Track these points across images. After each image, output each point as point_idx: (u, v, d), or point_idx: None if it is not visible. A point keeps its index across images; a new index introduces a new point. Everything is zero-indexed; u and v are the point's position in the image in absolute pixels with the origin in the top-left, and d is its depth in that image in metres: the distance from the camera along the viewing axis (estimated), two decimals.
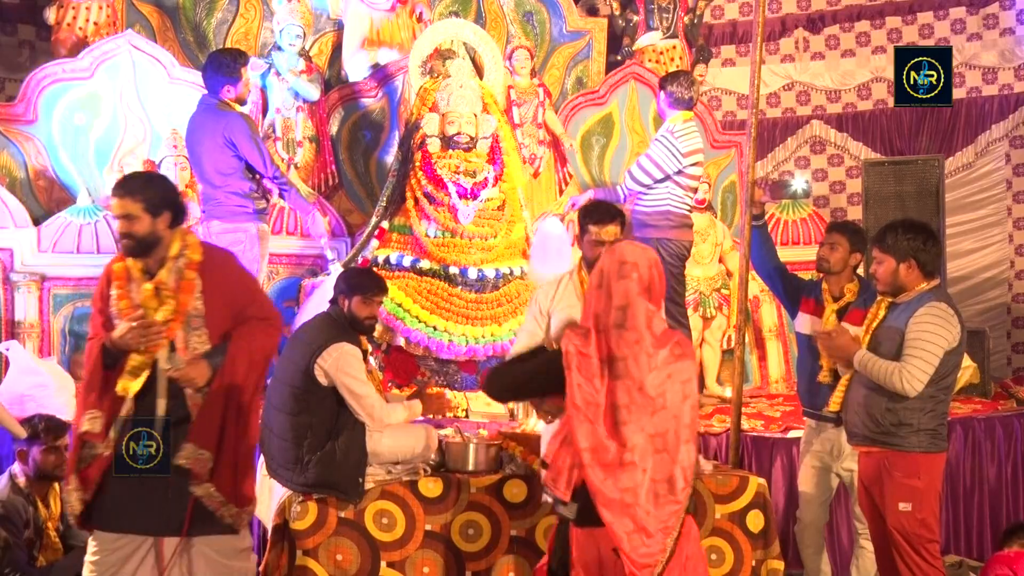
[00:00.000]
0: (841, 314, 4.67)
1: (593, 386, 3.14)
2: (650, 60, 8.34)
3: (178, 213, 3.73)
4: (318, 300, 5.50)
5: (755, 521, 4.55)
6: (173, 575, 3.72)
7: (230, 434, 3.69)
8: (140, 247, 3.66)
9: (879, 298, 4.25)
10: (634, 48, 8.50)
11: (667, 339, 3.21)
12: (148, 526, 3.68)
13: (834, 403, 4.37)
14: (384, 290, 4.68)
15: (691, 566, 3.22)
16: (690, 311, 6.66)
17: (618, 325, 3.15)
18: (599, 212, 4.33)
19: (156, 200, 3.66)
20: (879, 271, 4.13)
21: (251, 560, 3.93)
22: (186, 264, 3.71)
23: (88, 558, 3.73)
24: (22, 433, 4.40)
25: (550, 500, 3.32)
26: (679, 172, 5.93)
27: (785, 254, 5.50)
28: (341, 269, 5.83)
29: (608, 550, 3.17)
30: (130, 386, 3.61)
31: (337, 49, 7.80)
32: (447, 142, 6.18)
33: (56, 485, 4.67)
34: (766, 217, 5.08)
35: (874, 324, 4.17)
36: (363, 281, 4.60)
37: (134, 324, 3.57)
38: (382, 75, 7.51)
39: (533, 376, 3.40)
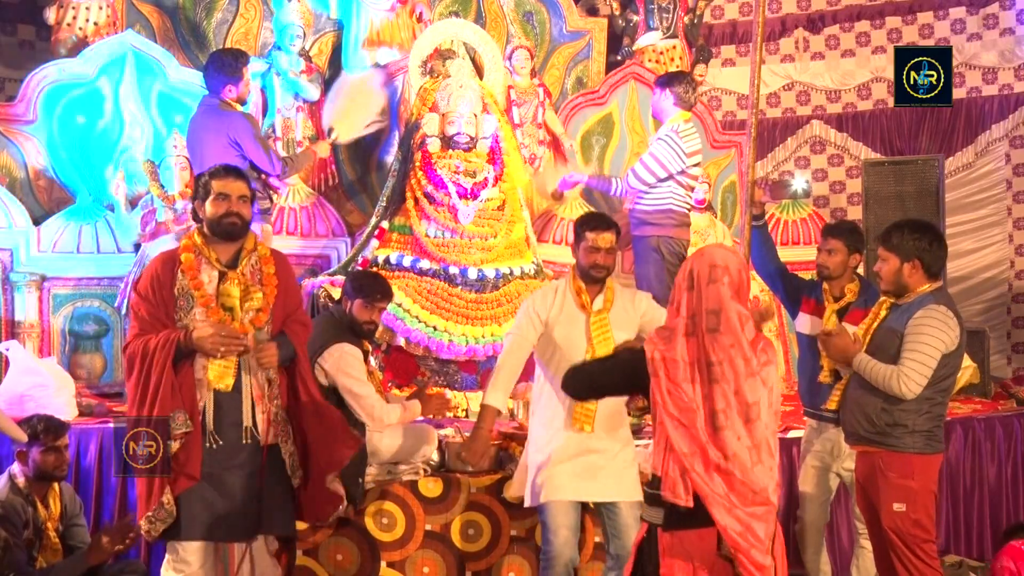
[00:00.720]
0: (842, 314, 4.66)
1: (684, 391, 3.09)
2: (650, 60, 8.34)
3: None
4: None
5: None
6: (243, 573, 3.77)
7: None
8: (243, 229, 3.76)
9: (881, 299, 4.24)
10: (634, 48, 8.50)
11: (756, 343, 3.17)
12: (234, 531, 3.72)
13: (832, 401, 4.37)
14: (389, 297, 4.70)
15: (781, 566, 3.21)
16: None
17: (712, 329, 3.10)
18: (595, 219, 4.37)
19: (253, 191, 3.87)
20: (883, 269, 4.11)
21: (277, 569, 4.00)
22: (261, 259, 3.78)
23: (169, 572, 3.74)
24: (23, 438, 4.40)
25: (646, 512, 3.29)
26: (681, 171, 6.00)
27: (785, 254, 5.50)
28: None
29: (706, 552, 3.13)
30: (223, 380, 3.67)
31: (337, 49, 7.80)
32: (447, 142, 6.19)
33: (56, 485, 4.67)
34: (766, 217, 5.08)
35: (874, 325, 4.16)
36: (368, 285, 4.60)
37: (223, 333, 3.60)
38: (382, 75, 7.51)
39: (612, 377, 3.38)
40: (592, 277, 4.23)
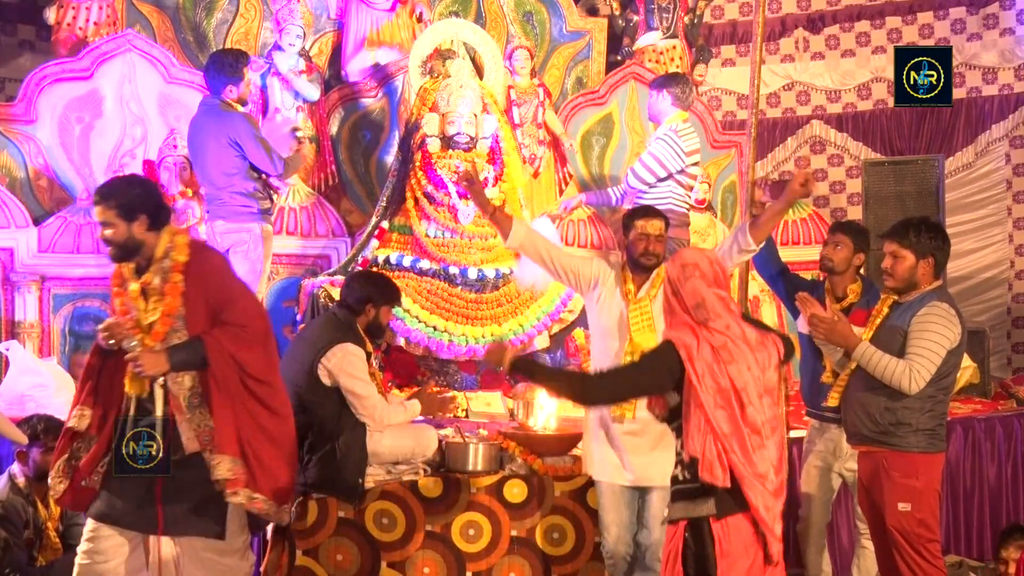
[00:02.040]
0: (844, 315, 4.66)
1: (714, 372, 3.24)
2: (650, 60, 8.33)
3: (156, 215, 3.78)
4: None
5: None
6: (166, 570, 3.77)
7: (249, 436, 3.75)
8: (121, 252, 3.75)
9: (884, 296, 4.25)
10: (634, 48, 8.50)
11: (764, 341, 3.39)
12: (132, 522, 3.76)
13: (832, 398, 4.36)
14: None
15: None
16: None
17: (703, 321, 3.32)
18: (644, 209, 4.52)
19: (129, 205, 3.72)
20: (894, 265, 4.10)
21: (247, 558, 3.97)
22: (171, 266, 3.76)
23: (80, 547, 3.82)
24: (23, 440, 4.41)
25: (676, 509, 3.35)
26: (681, 171, 6.01)
27: (785, 254, 5.50)
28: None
29: (749, 536, 3.23)
30: (134, 388, 3.71)
31: (337, 49, 7.80)
32: (447, 142, 6.18)
33: None
34: None
35: (878, 321, 4.17)
36: (394, 289, 4.71)
37: (104, 324, 3.72)
38: (382, 75, 7.51)
39: (636, 380, 3.47)
40: (642, 265, 4.29)
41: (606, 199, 6.50)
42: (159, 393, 3.72)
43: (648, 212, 4.42)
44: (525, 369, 3.62)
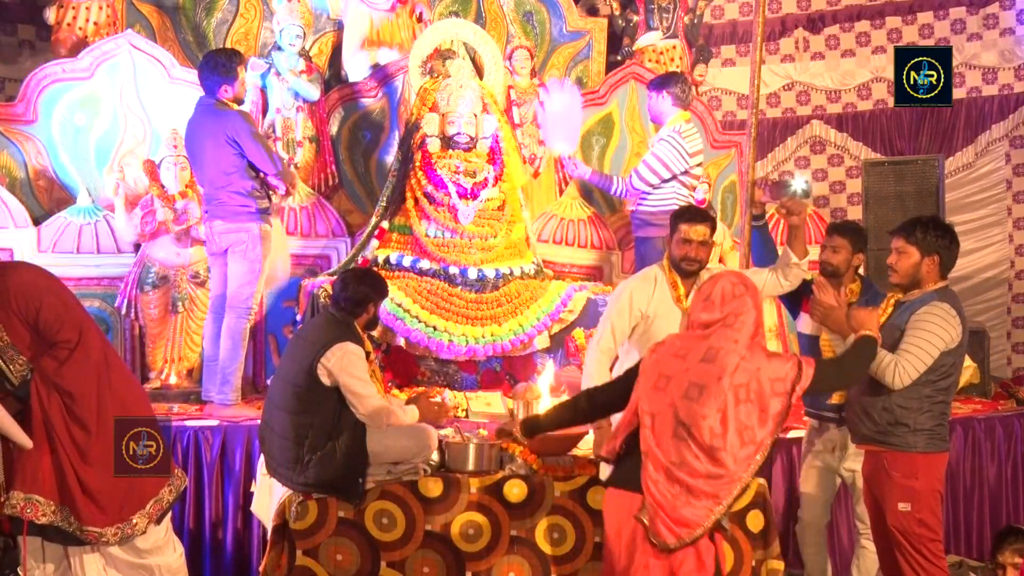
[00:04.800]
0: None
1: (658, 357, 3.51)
2: (650, 60, 8.33)
3: None
4: None
5: (755, 521, 4.54)
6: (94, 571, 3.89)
7: (67, 466, 3.78)
8: None
9: (888, 295, 4.26)
10: (634, 48, 8.50)
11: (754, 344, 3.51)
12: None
13: (836, 395, 4.37)
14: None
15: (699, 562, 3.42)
16: None
17: (726, 325, 3.51)
18: (690, 212, 4.46)
19: None
20: (899, 262, 4.10)
21: (170, 552, 4.14)
22: None
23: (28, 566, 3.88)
24: (28, 443, 4.40)
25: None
26: (685, 171, 6.02)
27: None
28: None
29: (632, 511, 3.41)
30: None
31: (337, 49, 7.80)
32: (447, 142, 6.19)
33: None
34: (766, 217, 5.09)
35: (882, 319, 4.17)
36: (386, 285, 4.72)
37: None
38: (382, 75, 7.51)
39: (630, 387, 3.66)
40: (683, 270, 4.27)
41: (607, 184, 6.50)
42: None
43: (694, 216, 4.36)
44: (532, 428, 4.01)
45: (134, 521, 3.95)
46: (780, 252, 4.71)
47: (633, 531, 3.43)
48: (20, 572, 3.90)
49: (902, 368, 3.93)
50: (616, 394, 3.75)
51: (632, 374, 3.65)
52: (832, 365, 3.76)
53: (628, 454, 3.55)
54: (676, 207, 5.96)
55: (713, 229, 4.39)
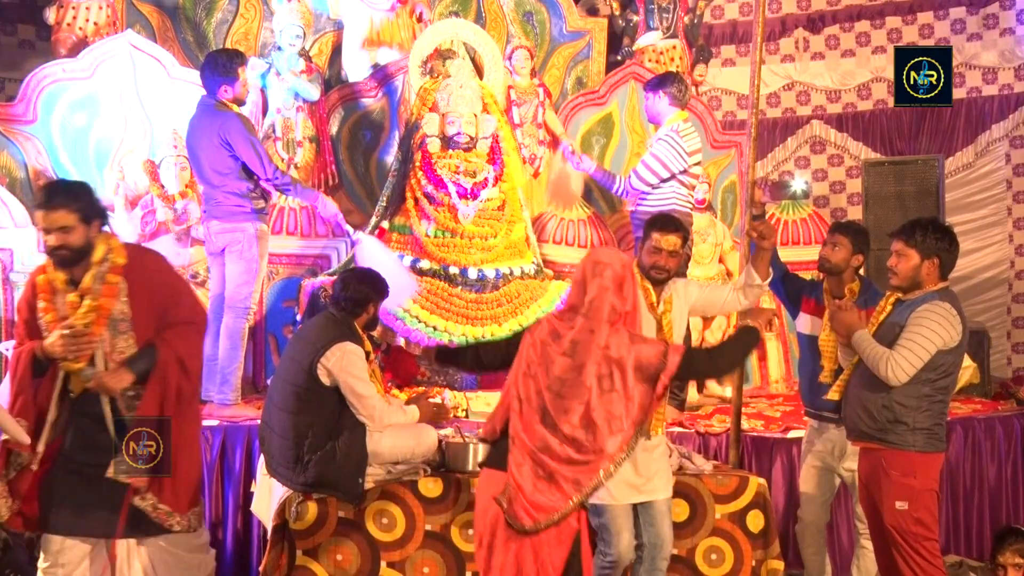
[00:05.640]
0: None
1: (537, 346, 3.59)
2: (650, 60, 8.33)
3: (105, 219, 3.82)
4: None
5: (755, 521, 4.55)
6: (130, 572, 3.79)
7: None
8: (76, 257, 3.72)
9: (887, 294, 4.26)
10: (634, 48, 8.49)
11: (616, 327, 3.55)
12: (91, 529, 3.76)
13: (834, 392, 4.37)
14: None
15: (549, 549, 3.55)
16: None
17: (583, 315, 3.55)
18: (664, 220, 4.45)
19: (89, 209, 3.73)
20: (899, 264, 4.11)
21: (209, 554, 4.11)
22: (110, 268, 3.75)
23: (41, 564, 3.82)
24: (26, 440, 4.39)
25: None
26: (683, 171, 6.02)
27: (785, 254, 5.50)
28: (367, 236, 5.95)
29: (495, 491, 3.54)
30: (78, 386, 3.72)
31: (337, 49, 7.80)
32: (447, 142, 6.19)
33: None
34: (766, 217, 5.09)
35: (881, 317, 4.18)
36: (387, 285, 4.71)
37: (65, 333, 3.64)
38: (382, 75, 7.51)
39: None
40: (652, 278, 4.27)
41: (610, 182, 6.48)
42: (106, 401, 3.73)
43: (666, 225, 4.37)
44: (442, 355, 4.27)
45: (198, 510, 3.98)
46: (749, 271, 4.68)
47: (497, 511, 3.54)
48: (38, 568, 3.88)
49: (895, 362, 3.94)
50: (498, 357, 3.87)
51: (515, 342, 3.72)
52: (703, 353, 3.83)
53: (504, 436, 3.63)
54: (676, 207, 5.99)
55: (685, 239, 4.40)
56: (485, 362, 3.98)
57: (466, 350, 4.15)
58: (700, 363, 3.77)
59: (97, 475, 3.71)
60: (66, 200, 3.68)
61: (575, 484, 3.48)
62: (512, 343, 3.78)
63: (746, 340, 3.88)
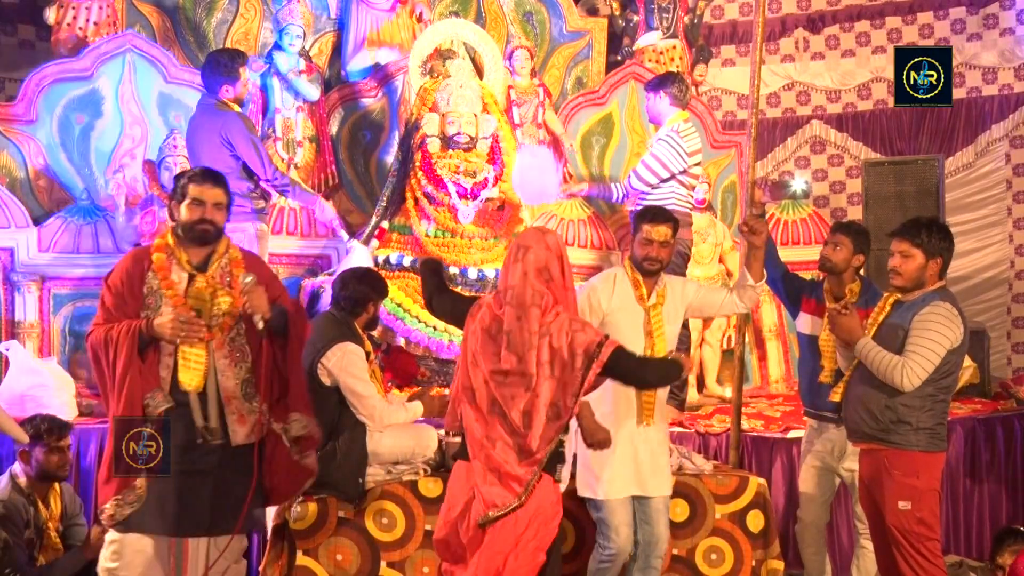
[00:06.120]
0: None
1: (477, 335, 3.61)
2: (650, 60, 8.33)
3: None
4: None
5: (755, 521, 4.55)
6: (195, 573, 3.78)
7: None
8: (213, 238, 3.81)
9: (886, 294, 4.25)
10: (634, 48, 8.49)
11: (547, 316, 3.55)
12: (179, 528, 3.71)
13: (835, 393, 4.37)
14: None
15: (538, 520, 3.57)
16: None
17: (508, 302, 3.57)
18: (653, 212, 4.44)
19: (230, 197, 3.91)
20: (904, 265, 4.09)
21: (241, 563, 4.04)
22: (232, 261, 3.82)
23: (106, 564, 3.73)
24: (24, 439, 4.40)
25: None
26: (683, 171, 6.02)
27: (785, 254, 5.50)
28: (360, 245, 5.98)
29: (462, 483, 3.62)
30: (193, 381, 3.70)
31: (337, 49, 7.80)
32: (447, 142, 6.19)
33: (56, 485, 4.67)
34: (766, 217, 5.08)
35: (880, 318, 4.17)
36: (386, 284, 4.73)
37: (182, 319, 3.64)
38: (382, 75, 7.51)
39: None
40: (644, 270, 4.27)
41: (607, 194, 6.51)
42: (212, 387, 3.72)
43: (656, 216, 4.35)
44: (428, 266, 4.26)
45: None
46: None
47: (466, 502, 3.58)
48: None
49: (910, 369, 3.93)
50: (446, 309, 3.95)
51: (462, 302, 3.86)
52: (635, 358, 3.78)
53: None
54: (676, 207, 5.99)
55: (675, 230, 4.37)
56: (436, 311, 4.05)
57: (430, 284, 4.10)
58: (628, 365, 3.66)
59: (214, 475, 3.71)
60: (221, 182, 3.86)
61: (518, 481, 3.51)
62: (459, 302, 3.89)
63: (669, 369, 3.86)
